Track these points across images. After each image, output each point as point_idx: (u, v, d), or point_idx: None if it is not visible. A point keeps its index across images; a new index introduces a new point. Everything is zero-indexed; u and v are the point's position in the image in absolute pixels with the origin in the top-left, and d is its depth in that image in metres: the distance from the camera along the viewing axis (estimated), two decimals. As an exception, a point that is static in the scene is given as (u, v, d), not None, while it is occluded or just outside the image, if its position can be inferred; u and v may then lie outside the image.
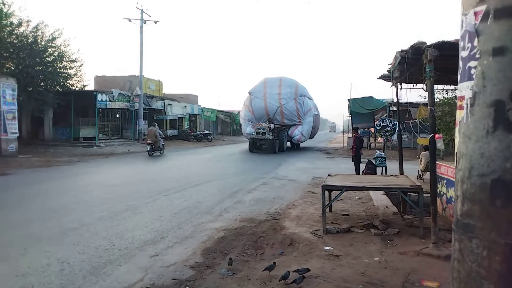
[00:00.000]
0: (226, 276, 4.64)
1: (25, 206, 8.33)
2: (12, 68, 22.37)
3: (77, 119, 26.31)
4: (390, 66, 7.60)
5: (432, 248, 5.46)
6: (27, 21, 23.63)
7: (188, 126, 39.71)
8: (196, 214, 7.76)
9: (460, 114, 2.35)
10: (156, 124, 22.98)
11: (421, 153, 12.93)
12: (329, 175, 8.16)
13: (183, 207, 8.39)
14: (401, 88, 8.63)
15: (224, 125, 53.97)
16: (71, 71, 26.15)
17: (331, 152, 26.53)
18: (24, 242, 5.80)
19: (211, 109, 45.74)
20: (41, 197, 9.43)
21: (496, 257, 2.10)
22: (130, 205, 8.45)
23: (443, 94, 19.29)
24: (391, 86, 8.64)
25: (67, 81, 25.86)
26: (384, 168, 12.19)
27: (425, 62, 5.56)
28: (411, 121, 24.81)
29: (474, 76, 2.23)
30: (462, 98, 2.33)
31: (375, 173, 11.81)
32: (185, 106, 39.49)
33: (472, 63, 2.24)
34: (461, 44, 2.37)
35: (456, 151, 2.41)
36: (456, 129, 2.42)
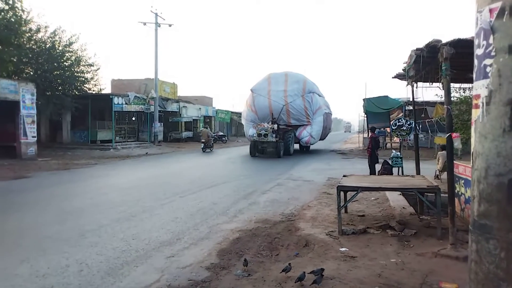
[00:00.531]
0: (242, 277, 4.65)
1: (44, 208, 8.51)
2: (31, 73, 22.92)
3: (94, 122, 26.76)
4: (405, 65, 7.52)
5: (450, 249, 5.37)
6: (45, 27, 24.25)
7: (202, 128, 39.95)
8: (211, 215, 7.81)
9: (475, 113, 2.32)
10: (208, 126, 26.85)
11: (438, 152, 12.74)
12: (344, 176, 8.10)
13: (198, 209, 8.45)
14: (416, 87, 8.53)
15: (238, 127, 54.10)
16: (88, 75, 26.72)
17: (346, 153, 26.27)
18: (43, 243, 5.93)
19: (226, 110, 45.93)
20: (59, 199, 9.61)
21: (514, 258, 2.07)
22: (147, 207, 8.55)
23: (460, 92, 18.97)
24: (407, 85, 8.54)
25: (84, 85, 26.40)
26: (400, 168, 12.06)
27: (441, 61, 5.48)
28: (427, 120, 24.47)
29: (489, 74, 2.20)
30: (478, 96, 2.30)
31: (391, 174, 11.68)
32: (200, 108, 39.77)
33: (488, 61, 2.21)
34: (476, 42, 2.34)
35: (472, 150, 2.37)
36: (472, 128, 2.38)
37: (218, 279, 4.65)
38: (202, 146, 25.30)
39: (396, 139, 23.38)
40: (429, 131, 25.38)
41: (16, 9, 20.16)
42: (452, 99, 9.20)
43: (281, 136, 22.14)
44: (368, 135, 19.09)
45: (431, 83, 8.35)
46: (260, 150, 21.96)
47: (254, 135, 22.11)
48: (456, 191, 7.03)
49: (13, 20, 19.93)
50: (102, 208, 8.44)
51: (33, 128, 18.80)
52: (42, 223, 7.15)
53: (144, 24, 30.29)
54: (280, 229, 6.81)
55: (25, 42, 21.98)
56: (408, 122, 14.59)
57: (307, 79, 25.37)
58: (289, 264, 4.72)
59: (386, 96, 26.71)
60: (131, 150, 24.97)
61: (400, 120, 15.09)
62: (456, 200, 6.93)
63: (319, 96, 26.12)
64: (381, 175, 11.04)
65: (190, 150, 27.68)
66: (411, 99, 9.25)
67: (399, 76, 8.94)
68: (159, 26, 30.57)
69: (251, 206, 8.80)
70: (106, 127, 27.38)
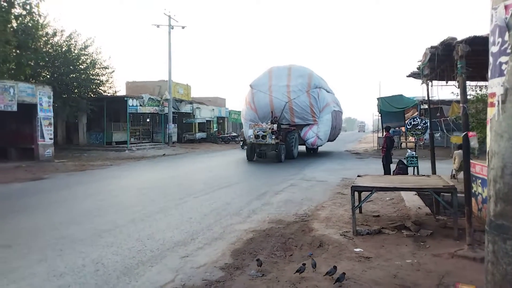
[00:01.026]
0: (255, 278, 4.66)
1: (61, 209, 8.66)
2: (48, 76, 23.40)
3: (109, 124, 27.14)
4: (420, 63, 7.43)
5: (467, 250, 5.28)
6: (61, 31, 24.76)
7: (216, 129, 40.15)
8: (224, 216, 7.84)
9: (491, 112, 2.28)
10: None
11: (455, 152, 12.53)
12: (358, 176, 8.05)
13: (212, 209, 8.49)
14: (432, 86, 8.42)
15: (252, 127, 54.11)
16: (103, 78, 27.15)
17: (361, 153, 26.04)
18: (60, 243, 6.04)
19: (239, 111, 46.01)
20: (76, 200, 9.77)
21: (532, 259, 2.03)
22: (161, 207, 8.63)
23: (476, 90, 18.64)
24: (422, 83, 8.44)
25: (100, 88, 26.84)
26: (415, 168, 11.90)
27: (456, 58, 5.41)
28: (443, 119, 24.13)
29: (505, 72, 2.16)
30: (493, 95, 2.26)
31: (407, 173, 11.54)
32: (213, 109, 39.95)
33: (503, 58, 2.17)
34: (491, 39, 2.30)
35: (488, 149, 2.34)
36: (488, 127, 2.35)
37: (232, 279, 4.66)
38: (241, 144, 28.95)
39: (411, 139, 23.10)
40: (445, 130, 25.02)
41: (33, 14, 20.59)
42: (468, 97, 9.06)
43: (282, 138, 19.95)
44: (382, 134, 18.88)
45: (446, 82, 8.25)
46: (258, 153, 19.73)
47: (251, 136, 19.70)
48: (473, 190, 6.92)
49: (30, 25, 20.39)
50: (118, 209, 8.55)
51: (50, 130, 19.16)
52: (59, 223, 7.28)
53: (158, 26, 30.60)
54: (294, 229, 6.79)
55: (42, 46, 22.46)
56: (424, 121, 14.41)
57: (312, 72, 22.76)
58: (303, 264, 4.71)
59: (401, 95, 26.41)
60: (146, 151, 25.22)
61: (415, 119, 14.94)
62: (473, 200, 6.82)
63: (327, 92, 23.66)
64: (396, 175, 10.92)
65: (204, 150, 27.83)
66: (426, 98, 9.14)
67: (413, 75, 8.84)
68: (172, 28, 30.83)
69: (264, 206, 8.80)
70: (121, 128, 27.73)
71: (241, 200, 9.52)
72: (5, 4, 19.38)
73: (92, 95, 25.71)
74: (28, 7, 20.04)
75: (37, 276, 4.73)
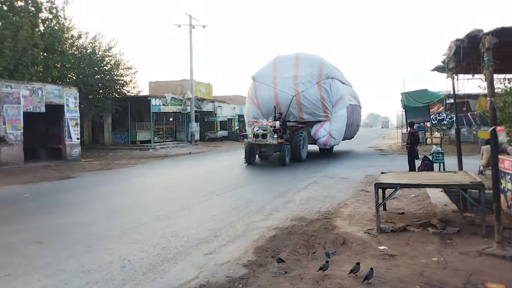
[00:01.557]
0: (279, 275, 4.67)
1: (88, 207, 8.89)
2: (74, 77, 24.02)
3: (133, 123, 27.63)
4: (444, 57, 7.26)
5: (496, 248, 5.15)
6: (86, 33, 25.37)
7: (237, 127, 40.29)
8: (247, 213, 7.88)
9: (520, 105, 2.21)
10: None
11: (482, 147, 12.18)
12: (382, 173, 7.95)
13: (234, 206, 8.55)
14: (457, 79, 8.22)
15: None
16: (127, 78, 27.72)
17: (384, 149, 25.65)
18: (88, 240, 6.21)
19: (260, 109, 46.02)
20: (103, 198, 10.02)
21: None
22: (185, 205, 8.75)
23: (504, 83, 18.05)
24: (447, 77, 8.25)
25: (123, 88, 27.40)
26: (441, 164, 11.64)
27: (483, 51, 5.26)
28: (470, 113, 23.48)
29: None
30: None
31: (432, 170, 11.30)
32: (234, 108, 40.09)
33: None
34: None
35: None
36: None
37: (255, 276, 4.69)
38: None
39: (436, 134, 22.58)
40: (472, 125, 24.33)
41: (59, 17, 21.19)
42: (496, 90, 8.78)
43: (290, 136, 17.42)
44: (407, 130, 18.51)
45: (473, 75, 8.02)
46: (259, 155, 16.94)
47: (249, 136, 16.82)
48: (501, 187, 6.72)
49: (56, 28, 20.99)
50: (143, 206, 8.72)
51: (77, 131, 19.66)
52: (87, 221, 7.48)
53: (179, 26, 30.86)
54: (317, 227, 6.77)
55: (67, 49, 23.07)
56: (449, 116, 14.06)
57: (324, 60, 19.71)
58: (327, 261, 4.70)
59: (425, 90, 25.80)
60: (169, 150, 25.57)
61: (440, 114, 14.57)
62: (502, 196, 6.62)
63: (342, 83, 20.73)
64: (421, 172, 10.71)
65: (225, 149, 28.00)
66: (451, 92, 8.93)
67: (438, 69, 8.65)
68: (193, 27, 31.04)
69: (286, 204, 8.80)
70: (145, 128, 28.19)
71: (263, 197, 9.54)
72: (33, 9, 20.04)
73: (116, 95, 26.25)
74: (54, 11, 20.69)
75: (67, 272, 4.89)
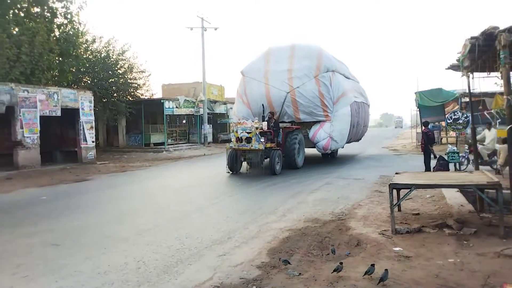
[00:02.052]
0: (293, 277, 4.66)
1: (104, 209, 9.01)
2: (89, 81, 24.43)
3: (147, 126, 27.92)
4: (459, 55, 7.17)
5: (514, 249, 5.05)
6: (100, 37, 25.78)
7: (250, 128, 40.35)
8: (260, 215, 7.88)
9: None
10: None
11: (499, 146, 11.97)
12: (397, 173, 7.86)
13: (247, 208, 8.55)
14: (473, 78, 8.10)
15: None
16: (140, 81, 28.08)
17: (399, 149, 25.36)
18: (104, 242, 6.29)
19: (272, 110, 45.99)
20: (117, 200, 10.14)
21: None
22: (198, 206, 8.79)
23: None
24: (462, 76, 8.14)
25: (137, 91, 27.75)
26: (457, 163, 11.48)
27: (499, 48, 5.19)
28: (486, 112, 23.08)
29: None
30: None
31: (448, 170, 11.15)
32: (247, 109, 40.14)
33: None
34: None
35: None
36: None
37: (269, 277, 4.69)
38: None
39: (452, 133, 22.26)
40: (492, 124, 23.89)
41: (74, 22, 21.56)
42: (513, 88, 8.63)
43: (283, 139, 14.95)
44: (421, 130, 18.28)
45: (488, 73, 7.91)
46: (246, 161, 14.34)
47: (232, 140, 14.40)
48: (520, 187, 6.58)
49: (71, 33, 21.34)
50: (157, 208, 8.80)
51: (92, 134, 19.95)
52: (103, 223, 7.58)
53: (191, 29, 31.08)
54: (330, 228, 6.73)
55: (82, 53, 23.46)
56: (465, 115, 13.86)
57: (323, 51, 16.65)
58: (341, 263, 4.67)
59: (440, 88, 25.42)
60: (183, 152, 25.74)
61: (456, 113, 14.38)
62: (521, 196, 6.48)
63: (346, 78, 18.07)
64: (437, 172, 10.57)
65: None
66: (467, 91, 8.81)
67: (453, 67, 8.54)
68: (205, 30, 31.22)
69: (299, 205, 8.77)
70: (158, 130, 28.45)
71: (276, 198, 9.53)
72: (48, 14, 20.43)
73: (130, 98, 26.57)
74: (69, 16, 21.05)
75: (83, 273, 4.95)
